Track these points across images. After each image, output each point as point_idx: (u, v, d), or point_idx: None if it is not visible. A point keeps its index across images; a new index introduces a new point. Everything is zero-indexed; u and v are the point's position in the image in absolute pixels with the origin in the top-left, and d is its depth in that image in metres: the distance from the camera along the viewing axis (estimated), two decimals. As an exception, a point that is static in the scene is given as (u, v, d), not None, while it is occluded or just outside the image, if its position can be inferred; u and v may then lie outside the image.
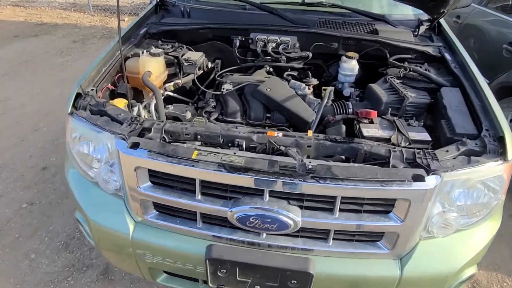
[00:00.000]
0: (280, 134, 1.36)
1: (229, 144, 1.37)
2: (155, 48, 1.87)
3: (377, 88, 1.70)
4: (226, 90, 1.73)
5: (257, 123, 1.72)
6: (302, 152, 1.34)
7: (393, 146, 1.32)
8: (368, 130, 1.48)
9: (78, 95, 1.50)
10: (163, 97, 1.84)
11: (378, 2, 2.28)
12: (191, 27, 1.99)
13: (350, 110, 1.68)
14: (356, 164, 1.26)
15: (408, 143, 1.42)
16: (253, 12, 2.06)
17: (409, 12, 2.16)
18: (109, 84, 1.66)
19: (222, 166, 1.18)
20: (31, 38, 5.83)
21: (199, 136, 1.38)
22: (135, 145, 1.25)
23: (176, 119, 1.82)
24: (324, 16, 2.03)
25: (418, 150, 1.25)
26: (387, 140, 1.43)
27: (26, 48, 5.39)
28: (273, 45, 1.96)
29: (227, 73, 1.99)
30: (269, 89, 1.69)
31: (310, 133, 1.38)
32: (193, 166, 1.18)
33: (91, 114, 1.45)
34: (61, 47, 5.47)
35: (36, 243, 2.27)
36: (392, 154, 1.24)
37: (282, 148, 1.30)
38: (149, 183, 1.29)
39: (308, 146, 1.33)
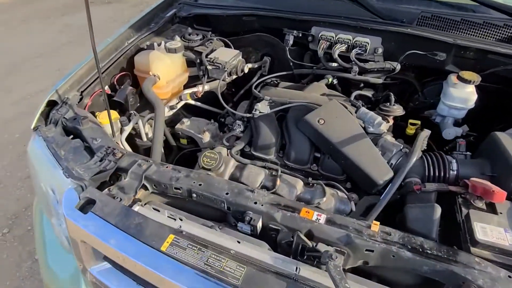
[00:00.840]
0: (323, 218, 0.80)
1: (238, 216, 0.85)
2: (181, 39, 1.39)
3: (510, 142, 1.00)
4: (260, 112, 1.18)
5: (299, 167, 1.15)
6: (355, 255, 0.77)
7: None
8: (487, 229, 0.82)
9: (53, 104, 1.10)
10: (178, 107, 1.37)
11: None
12: (231, 13, 1.45)
13: (453, 173, 1.01)
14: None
15: None
16: (322, -4, 1.44)
17: None
18: (106, 88, 1.23)
19: (204, 278, 0.67)
20: (103, 5, 5.84)
21: (194, 195, 0.88)
22: (87, 205, 0.80)
23: (191, 140, 1.34)
24: (431, 9, 1.32)
25: None
26: (524, 259, 0.77)
27: (97, 15, 5.38)
28: (343, 47, 1.33)
29: (273, 80, 1.43)
30: (322, 121, 1.09)
31: (375, 226, 0.79)
32: (155, 268, 0.69)
33: (64, 132, 1.05)
34: (128, 17, 5.33)
35: (45, 242, 2.07)
36: None
37: (321, 248, 0.74)
38: (105, 263, 0.84)
39: (368, 251, 0.75)
